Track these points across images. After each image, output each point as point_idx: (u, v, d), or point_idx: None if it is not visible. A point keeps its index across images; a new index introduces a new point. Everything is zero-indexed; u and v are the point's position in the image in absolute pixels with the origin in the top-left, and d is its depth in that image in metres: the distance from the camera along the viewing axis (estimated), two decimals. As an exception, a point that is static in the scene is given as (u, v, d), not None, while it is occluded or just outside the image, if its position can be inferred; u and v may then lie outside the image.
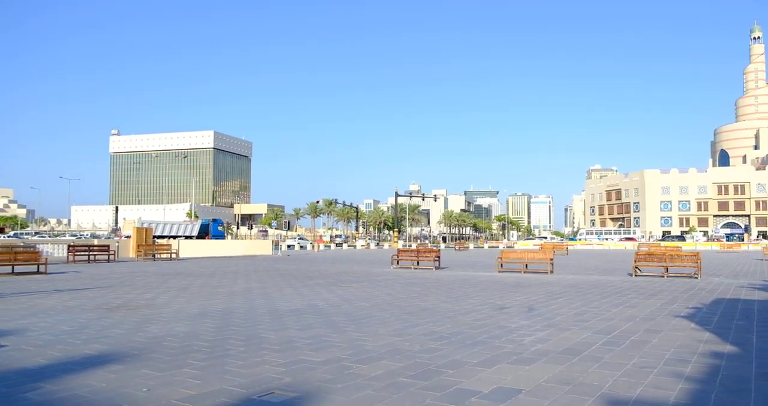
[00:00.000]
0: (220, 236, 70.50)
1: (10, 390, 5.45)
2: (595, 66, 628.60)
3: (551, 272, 22.87)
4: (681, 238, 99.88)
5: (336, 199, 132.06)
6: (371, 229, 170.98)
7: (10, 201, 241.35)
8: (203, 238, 63.29)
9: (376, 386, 5.69)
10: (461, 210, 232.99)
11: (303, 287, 16.72)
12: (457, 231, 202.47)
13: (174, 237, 55.74)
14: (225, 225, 66.34)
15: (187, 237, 61.00)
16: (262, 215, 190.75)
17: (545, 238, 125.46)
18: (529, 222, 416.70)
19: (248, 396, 5.31)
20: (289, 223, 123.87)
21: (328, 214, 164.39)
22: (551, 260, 23.49)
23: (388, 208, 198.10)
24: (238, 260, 34.11)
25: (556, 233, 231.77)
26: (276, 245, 53.42)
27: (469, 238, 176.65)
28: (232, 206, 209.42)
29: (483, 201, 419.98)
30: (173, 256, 35.41)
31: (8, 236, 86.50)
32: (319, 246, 71.75)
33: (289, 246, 70.39)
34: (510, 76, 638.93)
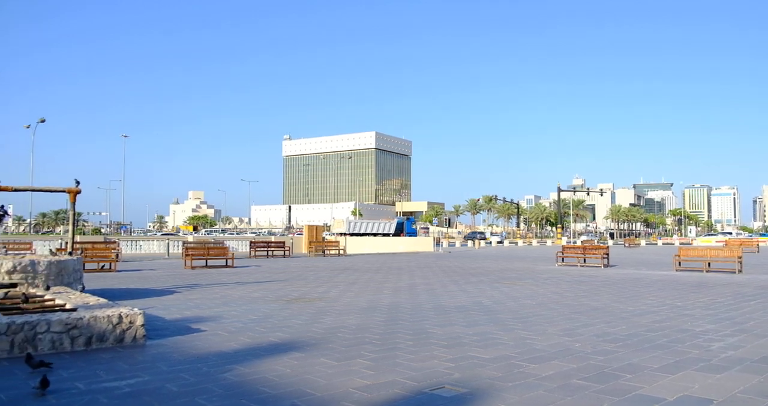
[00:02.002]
0: (413, 233, 76.27)
1: (211, 370, 6.13)
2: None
3: (739, 271, 20.64)
4: None
5: (496, 196, 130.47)
6: (533, 225, 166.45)
7: (201, 202, 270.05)
8: (398, 235, 68.58)
9: (548, 386, 5.56)
10: (630, 204, 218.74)
11: (466, 283, 16.75)
12: (625, 227, 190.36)
13: (374, 235, 60.98)
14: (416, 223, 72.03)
15: (384, 234, 66.57)
16: (422, 212, 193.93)
17: (730, 233, 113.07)
18: (709, 216, 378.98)
19: (420, 389, 5.45)
20: (449, 220, 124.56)
21: (488, 210, 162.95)
22: (739, 257, 21.19)
23: (550, 203, 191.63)
24: (401, 257, 35.01)
25: (743, 228, 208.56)
26: (437, 241, 54.02)
27: (639, 234, 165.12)
28: (393, 204, 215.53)
29: (655, 194, 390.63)
30: (341, 252, 37.30)
31: (201, 234, 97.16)
32: (480, 243, 71.41)
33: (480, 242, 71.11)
34: (688, 70, 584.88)
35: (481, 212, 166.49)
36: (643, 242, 79.54)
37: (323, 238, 43.58)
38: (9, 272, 10.15)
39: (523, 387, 5.52)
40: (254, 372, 6.06)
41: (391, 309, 11.03)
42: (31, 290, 9.73)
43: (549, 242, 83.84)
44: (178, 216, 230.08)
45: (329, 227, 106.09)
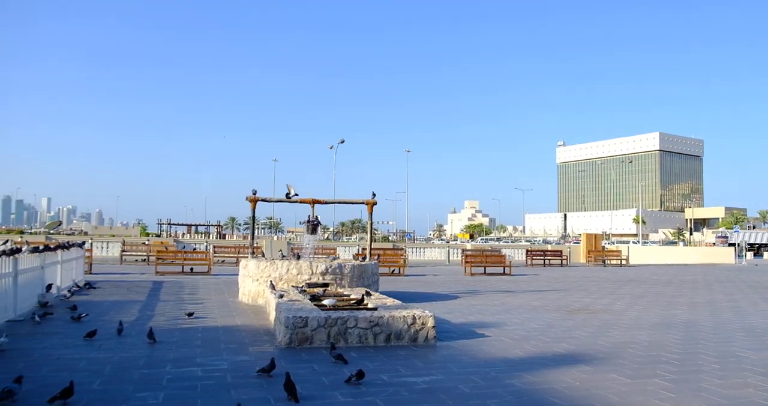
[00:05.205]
0: None
1: (499, 375, 6.28)
2: None
3: None
4: None
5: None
6: None
7: (477, 211, 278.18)
8: None
9: None
10: None
11: (783, 302, 14.32)
12: None
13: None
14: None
15: None
16: (718, 219, 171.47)
17: None
18: None
19: (732, 419, 4.84)
20: (753, 227, 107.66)
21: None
22: None
23: None
24: (693, 269, 31.41)
25: None
26: (740, 253, 47.25)
27: None
28: (682, 211, 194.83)
29: None
30: (623, 262, 34.98)
31: (477, 242, 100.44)
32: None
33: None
34: None
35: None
36: None
37: (603, 247, 41.39)
38: (322, 273, 11.81)
39: None
40: (542, 381, 6.04)
41: (688, 327, 9.99)
42: (339, 290, 11.15)
43: None
44: (455, 225, 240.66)
45: (609, 235, 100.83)
